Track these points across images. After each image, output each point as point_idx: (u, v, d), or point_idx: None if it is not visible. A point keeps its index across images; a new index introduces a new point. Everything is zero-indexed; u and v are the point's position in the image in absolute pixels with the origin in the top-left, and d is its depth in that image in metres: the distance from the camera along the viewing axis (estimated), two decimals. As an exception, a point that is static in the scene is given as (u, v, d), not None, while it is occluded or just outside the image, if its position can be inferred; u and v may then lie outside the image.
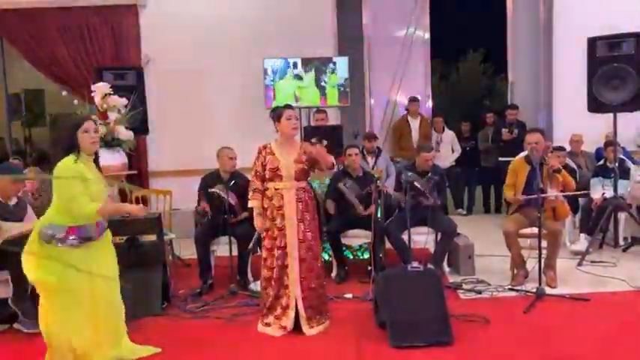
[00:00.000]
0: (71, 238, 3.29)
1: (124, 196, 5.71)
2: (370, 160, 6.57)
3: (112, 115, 5.45)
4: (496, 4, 9.12)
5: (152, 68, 7.49)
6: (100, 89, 5.24)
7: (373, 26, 8.58)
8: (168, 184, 6.72)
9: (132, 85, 6.29)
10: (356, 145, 5.85)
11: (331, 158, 4.08)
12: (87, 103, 5.59)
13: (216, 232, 5.19)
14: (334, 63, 7.39)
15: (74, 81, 7.52)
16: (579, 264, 5.51)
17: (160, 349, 3.73)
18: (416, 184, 4.90)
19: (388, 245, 5.39)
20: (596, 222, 5.90)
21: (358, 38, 8.51)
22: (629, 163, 6.34)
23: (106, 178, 3.60)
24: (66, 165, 3.26)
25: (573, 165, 6.43)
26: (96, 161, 3.48)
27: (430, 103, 9.26)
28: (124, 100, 5.38)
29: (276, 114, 4.09)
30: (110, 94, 5.28)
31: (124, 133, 5.65)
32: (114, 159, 5.67)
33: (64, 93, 5.91)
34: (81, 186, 3.22)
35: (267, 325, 4.06)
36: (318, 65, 7.39)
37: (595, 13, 7.21)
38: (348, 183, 5.28)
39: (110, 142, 5.46)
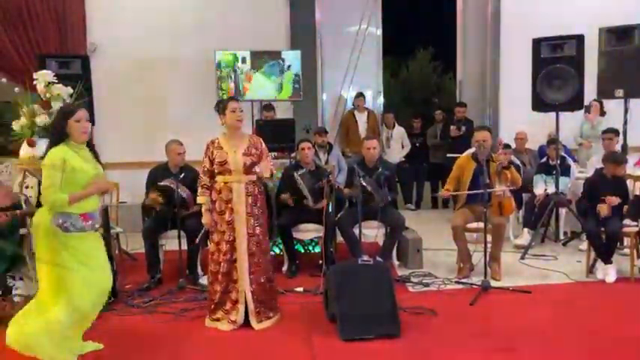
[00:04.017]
0: (88, 223, 3.28)
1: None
2: (322, 155, 6.59)
3: (56, 105, 5.24)
4: (446, 4, 9.30)
5: (99, 57, 7.26)
6: (42, 77, 5.02)
7: (326, 21, 8.59)
8: (114, 176, 6.53)
9: (77, 74, 6.06)
10: (308, 139, 5.86)
11: (269, 170, 4.11)
12: (29, 92, 5.37)
13: (165, 226, 5.09)
14: (283, 59, 7.36)
15: (15, 69, 7.19)
16: (522, 257, 5.70)
17: (101, 346, 3.63)
18: (368, 187, 4.94)
19: (339, 239, 5.42)
20: (539, 217, 6.12)
21: (311, 33, 8.50)
22: (570, 161, 6.60)
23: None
24: (53, 154, 3.21)
25: (518, 162, 6.64)
26: (92, 149, 3.46)
27: (381, 100, 9.36)
28: (69, 89, 5.17)
29: (221, 106, 4.04)
30: (54, 82, 5.07)
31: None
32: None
33: (4, 80, 5.64)
34: (59, 176, 3.16)
35: (217, 319, 4.02)
36: (268, 59, 7.34)
37: (541, 15, 7.46)
38: (303, 172, 5.27)
39: (54, 132, 5.26)
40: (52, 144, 3.28)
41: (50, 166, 3.18)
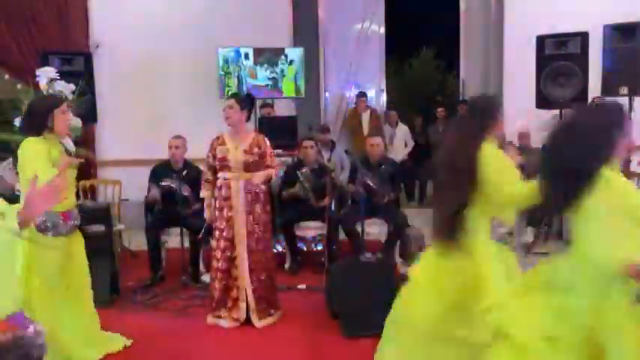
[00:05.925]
0: (63, 223, 3.11)
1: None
2: (325, 153, 6.57)
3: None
4: (449, 2, 9.26)
5: (101, 54, 7.25)
6: (45, 74, 5.02)
7: (329, 19, 8.57)
8: (117, 173, 6.54)
9: (80, 71, 6.08)
10: (311, 137, 5.84)
11: (265, 178, 4.05)
12: (31, 89, 5.37)
13: (167, 223, 5.09)
14: (286, 55, 7.35)
15: (17, 65, 7.19)
16: (525, 255, 5.67)
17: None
18: (370, 183, 4.93)
19: (341, 236, 5.41)
20: (542, 215, 6.09)
21: (313, 31, 8.48)
22: (574, 159, 6.56)
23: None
24: (35, 143, 2.94)
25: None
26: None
27: (384, 98, 9.34)
28: (72, 86, 5.17)
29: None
30: (56, 79, 5.07)
31: (72, 120, 5.45)
32: (60, 147, 5.46)
33: (7, 77, 5.64)
34: (48, 166, 2.87)
35: (218, 317, 4.02)
36: (270, 56, 7.33)
37: (544, 12, 7.41)
38: (305, 172, 5.27)
39: (56, 129, 5.27)
40: (28, 134, 2.95)
41: (35, 157, 2.87)
